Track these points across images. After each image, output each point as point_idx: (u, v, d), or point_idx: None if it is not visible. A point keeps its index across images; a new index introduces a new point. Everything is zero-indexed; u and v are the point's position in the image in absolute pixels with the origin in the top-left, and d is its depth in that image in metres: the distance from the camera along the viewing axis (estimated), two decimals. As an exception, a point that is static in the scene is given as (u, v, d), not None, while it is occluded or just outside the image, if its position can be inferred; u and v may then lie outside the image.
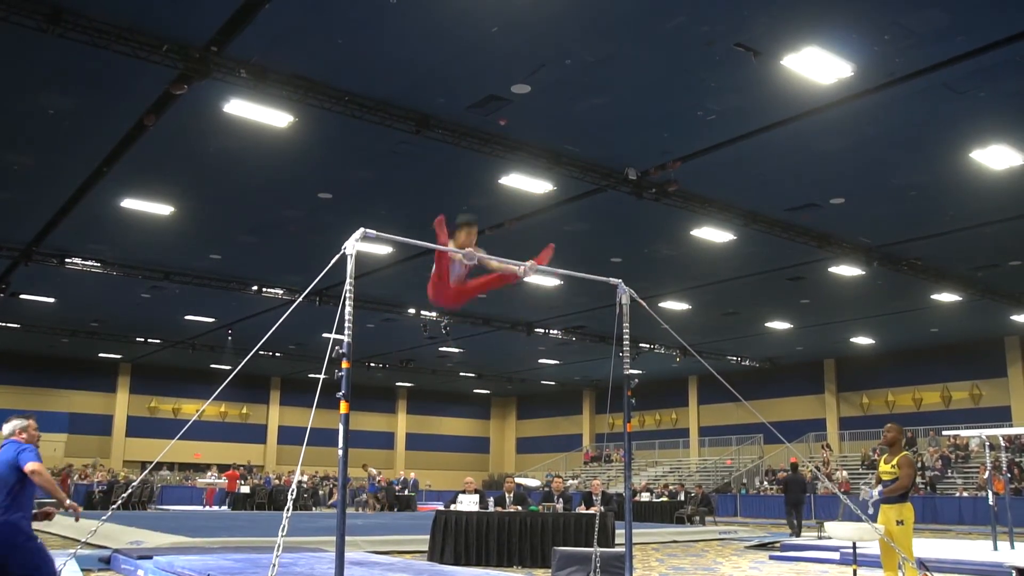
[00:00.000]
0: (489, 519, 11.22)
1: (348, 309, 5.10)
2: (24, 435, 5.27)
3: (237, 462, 32.40)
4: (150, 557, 9.13)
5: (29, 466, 4.98)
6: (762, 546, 15.10)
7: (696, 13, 8.32)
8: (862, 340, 25.96)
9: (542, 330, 24.55)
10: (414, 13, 8.36)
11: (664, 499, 22.92)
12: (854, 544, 7.29)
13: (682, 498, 22.74)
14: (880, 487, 7.13)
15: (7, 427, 5.34)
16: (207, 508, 25.89)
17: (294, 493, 5.10)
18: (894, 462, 7.14)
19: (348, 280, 5.12)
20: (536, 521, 11.34)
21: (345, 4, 8.27)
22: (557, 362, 30.75)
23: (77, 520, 5.46)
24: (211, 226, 15.52)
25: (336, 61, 9.45)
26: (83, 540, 6.76)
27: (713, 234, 15.10)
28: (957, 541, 15.26)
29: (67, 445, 31.21)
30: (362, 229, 5.28)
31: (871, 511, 7.11)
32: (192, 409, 32.74)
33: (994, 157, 11.49)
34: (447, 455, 40.43)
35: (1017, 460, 22.60)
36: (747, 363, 29.36)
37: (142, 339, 27.01)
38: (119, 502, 10.71)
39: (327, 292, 19.43)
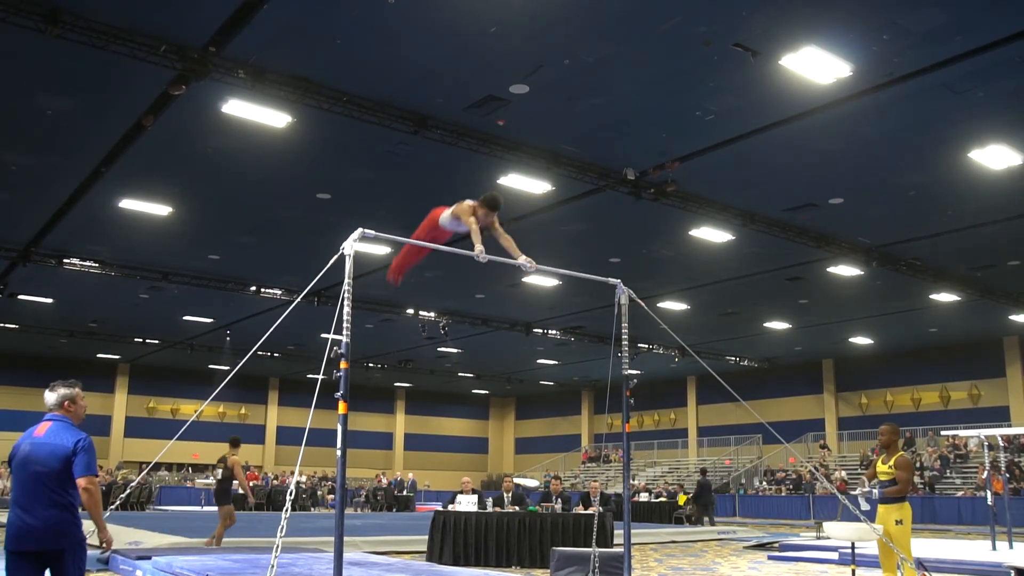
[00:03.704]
0: (488, 519, 11.22)
1: (346, 309, 5.10)
2: (73, 408, 4.45)
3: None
4: (149, 557, 9.09)
5: (82, 482, 4.20)
6: (760, 546, 15.10)
7: (694, 13, 8.32)
8: (861, 340, 25.97)
9: (541, 330, 24.55)
10: (412, 13, 8.36)
11: (663, 499, 22.91)
12: (853, 544, 7.29)
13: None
14: (878, 487, 7.12)
15: (52, 396, 4.45)
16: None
17: (292, 494, 5.10)
18: (891, 463, 7.13)
19: (347, 280, 5.12)
20: (535, 521, 11.34)
21: (343, 4, 8.27)
22: (556, 362, 30.75)
23: (105, 551, 4.57)
24: (209, 226, 15.50)
25: (334, 61, 9.45)
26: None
27: (712, 234, 15.10)
28: (956, 541, 15.27)
29: (65, 446, 31.18)
30: (360, 229, 5.29)
31: (865, 506, 7.09)
32: (191, 409, 32.72)
33: (993, 157, 11.50)
34: (446, 455, 40.43)
35: (1016, 460, 22.61)
36: (746, 363, 29.37)
37: (140, 339, 27.00)
38: (117, 503, 10.71)
39: (326, 292, 19.42)
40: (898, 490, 7.00)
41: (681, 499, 21.92)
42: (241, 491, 11.19)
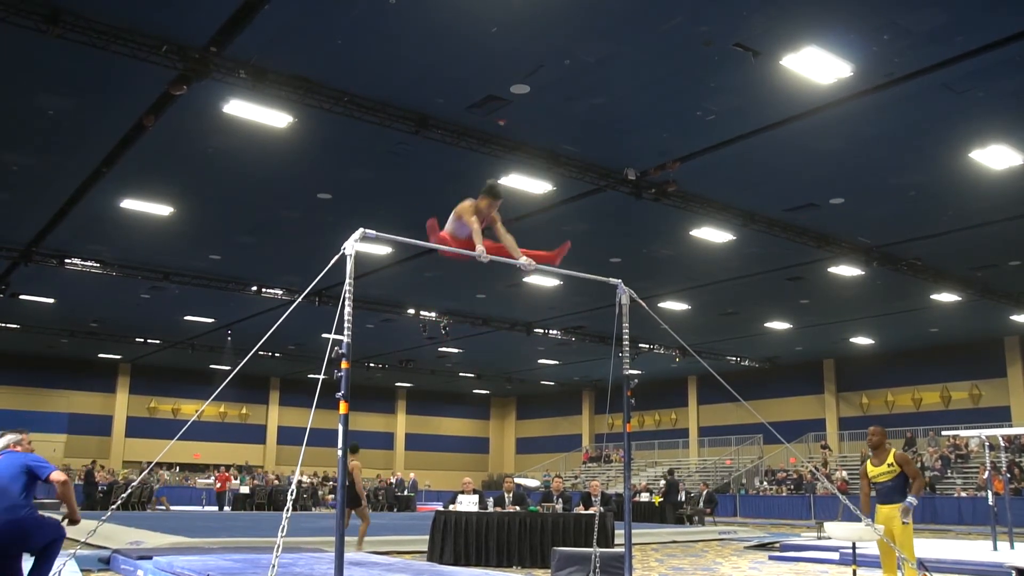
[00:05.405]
0: (488, 519, 11.22)
1: (347, 309, 5.10)
2: (20, 448, 5.75)
3: (236, 463, 32.42)
4: (150, 557, 9.12)
5: (56, 475, 5.48)
6: (761, 546, 15.10)
7: (695, 13, 8.32)
8: (861, 340, 25.97)
9: (541, 330, 24.56)
10: (413, 13, 8.37)
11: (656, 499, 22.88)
12: (853, 544, 7.29)
13: (681, 498, 22.71)
14: (915, 499, 7.00)
15: (1, 441, 5.77)
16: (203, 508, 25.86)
17: (293, 493, 5.11)
18: (888, 461, 7.11)
19: (347, 280, 5.12)
20: (535, 521, 11.33)
21: (344, 4, 8.27)
22: (556, 362, 30.75)
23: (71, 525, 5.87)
24: (210, 226, 15.51)
25: (335, 61, 9.45)
26: (82, 540, 6.76)
27: (712, 234, 15.10)
28: (957, 541, 15.26)
29: (66, 446, 31.23)
30: (361, 229, 5.30)
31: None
32: (191, 409, 32.72)
33: (993, 157, 11.50)
34: (447, 455, 40.43)
35: (1017, 460, 22.61)
36: (746, 363, 29.36)
37: (142, 339, 27.01)
38: (118, 502, 10.73)
39: (326, 292, 19.43)
40: (922, 484, 6.99)
41: (656, 500, 21.99)
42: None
